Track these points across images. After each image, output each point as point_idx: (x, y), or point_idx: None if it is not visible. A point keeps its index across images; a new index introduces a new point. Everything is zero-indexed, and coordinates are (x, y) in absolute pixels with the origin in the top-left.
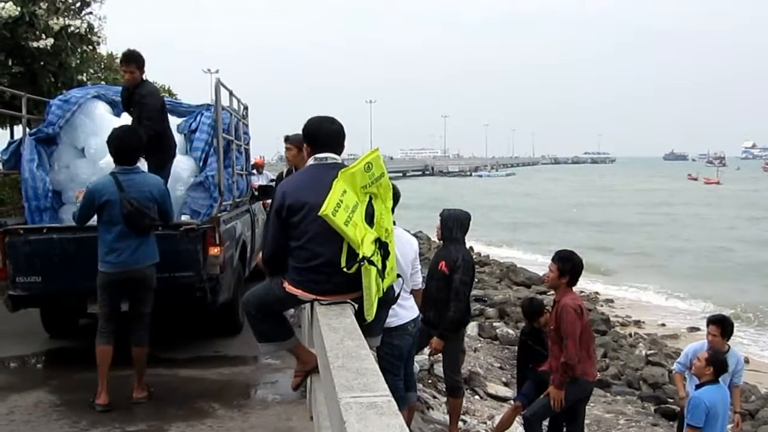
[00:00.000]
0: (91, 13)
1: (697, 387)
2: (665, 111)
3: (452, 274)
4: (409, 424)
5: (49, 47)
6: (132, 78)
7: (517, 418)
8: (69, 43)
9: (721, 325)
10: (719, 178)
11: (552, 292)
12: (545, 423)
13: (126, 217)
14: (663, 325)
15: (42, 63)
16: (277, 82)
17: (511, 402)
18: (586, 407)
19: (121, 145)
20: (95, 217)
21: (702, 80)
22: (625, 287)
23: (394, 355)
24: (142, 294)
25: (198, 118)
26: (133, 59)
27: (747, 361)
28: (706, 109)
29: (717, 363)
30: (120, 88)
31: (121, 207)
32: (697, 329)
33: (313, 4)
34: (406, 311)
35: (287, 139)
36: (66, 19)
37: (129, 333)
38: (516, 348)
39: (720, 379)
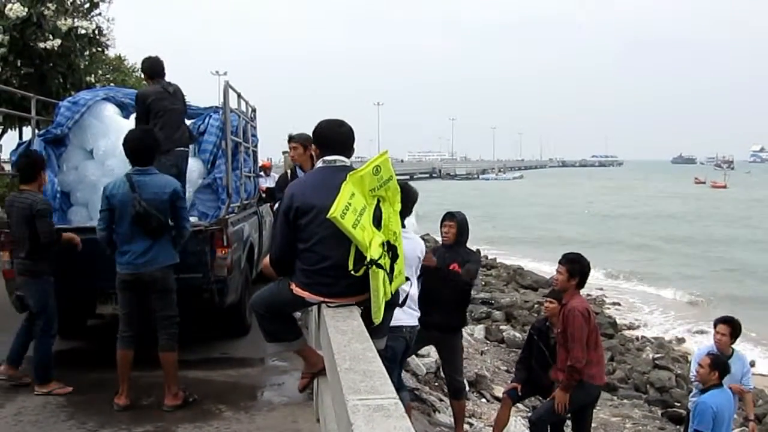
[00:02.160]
0: (99, 14)
1: (702, 391)
2: (673, 114)
3: (470, 279)
4: None
5: (57, 47)
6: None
7: (520, 418)
8: (78, 45)
9: (732, 326)
10: (726, 182)
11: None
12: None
13: (134, 217)
14: (668, 329)
15: (51, 64)
16: (285, 85)
17: (517, 405)
18: (593, 411)
19: (134, 146)
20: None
21: (710, 84)
22: None
23: (387, 357)
24: (157, 297)
25: (206, 120)
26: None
27: (753, 364)
28: (714, 113)
29: (721, 366)
30: (129, 90)
31: (130, 207)
32: (704, 332)
33: (323, 8)
34: (404, 314)
35: (291, 138)
36: (75, 20)
37: (154, 338)
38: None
39: (723, 381)
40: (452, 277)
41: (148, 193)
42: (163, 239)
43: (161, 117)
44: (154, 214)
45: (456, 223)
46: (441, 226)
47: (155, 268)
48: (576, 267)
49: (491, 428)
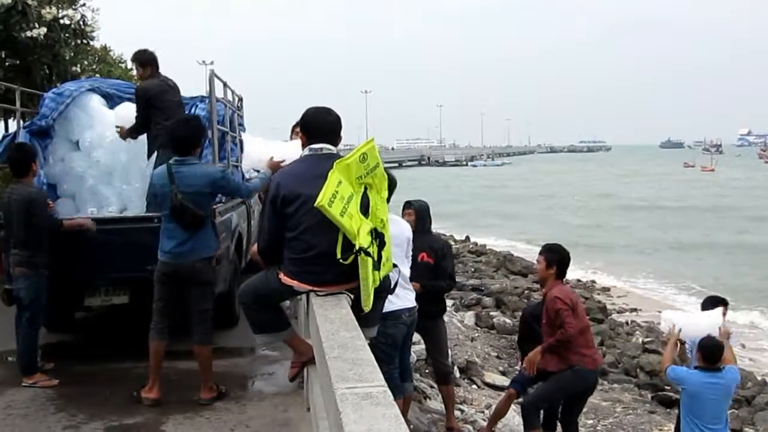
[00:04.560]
0: (84, 4)
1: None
2: (661, 99)
3: (441, 262)
4: (405, 415)
5: (41, 36)
6: (140, 75)
7: (513, 407)
8: (63, 35)
9: (724, 306)
10: (713, 165)
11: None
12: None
13: (172, 210)
14: (660, 312)
15: (36, 56)
16: (272, 74)
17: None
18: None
19: (172, 135)
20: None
21: (698, 67)
22: None
23: (387, 344)
24: (195, 290)
25: (192, 110)
26: (133, 58)
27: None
28: (701, 97)
29: (705, 349)
30: (114, 81)
31: (170, 200)
32: None
33: None
34: (399, 299)
35: (296, 125)
36: (59, 9)
37: (189, 331)
38: (512, 337)
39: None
40: (421, 267)
41: (185, 185)
42: (201, 231)
43: (165, 111)
44: (189, 208)
45: (414, 210)
46: (402, 216)
47: (192, 259)
48: (553, 256)
49: (482, 414)
